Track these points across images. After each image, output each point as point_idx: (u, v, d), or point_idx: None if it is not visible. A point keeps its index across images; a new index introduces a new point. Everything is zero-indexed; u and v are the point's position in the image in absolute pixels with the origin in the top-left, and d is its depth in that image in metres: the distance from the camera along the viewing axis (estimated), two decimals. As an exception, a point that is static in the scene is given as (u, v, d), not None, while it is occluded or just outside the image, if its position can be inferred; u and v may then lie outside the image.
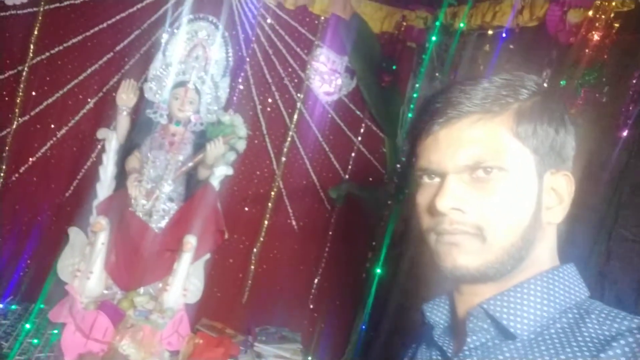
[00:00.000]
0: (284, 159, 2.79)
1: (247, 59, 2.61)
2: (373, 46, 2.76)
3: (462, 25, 2.47)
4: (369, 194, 2.74)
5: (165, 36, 2.40)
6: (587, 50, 1.65)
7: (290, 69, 2.72)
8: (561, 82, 1.69)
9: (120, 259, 2.36)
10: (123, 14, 2.45)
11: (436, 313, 0.78)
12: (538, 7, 1.99)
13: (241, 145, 2.46)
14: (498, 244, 0.66)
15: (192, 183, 2.45)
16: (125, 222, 2.37)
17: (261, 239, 2.86)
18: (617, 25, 1.59)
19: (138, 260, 2.36)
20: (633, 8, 1.59)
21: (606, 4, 1.62)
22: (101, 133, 2.41)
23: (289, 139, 2.78)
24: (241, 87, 2.62)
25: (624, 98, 1.55)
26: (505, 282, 0.68)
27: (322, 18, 2.70)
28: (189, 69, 2.38)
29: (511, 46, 2.05)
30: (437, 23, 2.71)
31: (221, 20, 2.42)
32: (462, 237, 0.67)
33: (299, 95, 2.75)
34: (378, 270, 2.81)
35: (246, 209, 2.88)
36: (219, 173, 2.46)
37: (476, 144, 0.66)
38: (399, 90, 2.86)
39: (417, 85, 2.87)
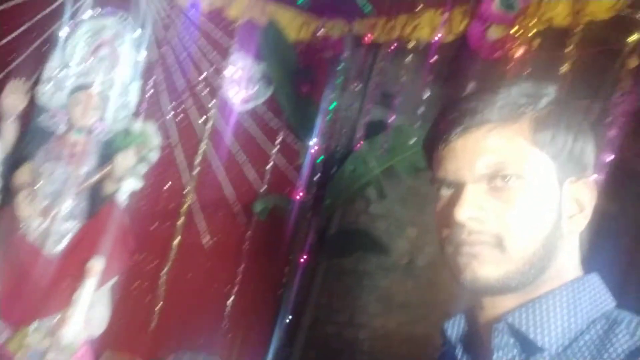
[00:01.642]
0: (196, 170, 2.61)
1: (159, 62, 2.40)
2: (289, 54, 2.71)
3: (378, 37, 2.51)
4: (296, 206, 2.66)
5: (64, 31, 2.10)
6: (509, 65, 1.75)
7: (203, 75, 2.56)
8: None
9: (6, 290, 2.02)
10: (10, 2, 2.12)
11: (457, 330, 0.74)
12: (457, 22, 2.08)
13: (153, 156, 2.25)
14: (519, 254, 0.64)
15: (97, 199, 2.18)
16: (13, 245, 2.04)
17: (171, 257, 2.64)
18: (536, 42, 1.71)
19: (29, 290, 2.04)
20: (549, 27, 1.72)
21: (525, 22, 1.73)
22: (-20, 143, 2.06)
23: (201, 149, 2.61)
24: (151, 92, 2.39)
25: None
26: (528, 294, 0.66)
27: (238, 23, 2.58)
28: (93, 71, 2.12)
29: (434, 58, 2.11)
30: (351, 34, 2.75)
31: (132, 16, 2.20)
32: (481, 248, 0.64)
33: (213, 102, 2.59)
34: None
35: (154, 225, 2.64)
36: (128, 187, 2.23)
37: (494, 152, 0.65)
38: (316, 100, 2.84)
39: (333, 95, 2.88)
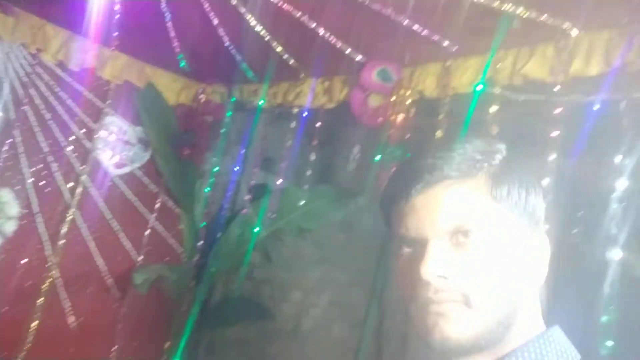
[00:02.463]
0: (62, 242, 2.33)
1: (17, 123, 2.15)
2: (169, 117, 2.63)
3: (261, 102, 2.56)
4: (179, 275, 2.48)
5: None
6: (390, 130, 1.88)
7: (73, 138, 2.34)
8: (375, 159, 1.88)
9: None
10: None
11: None
12: (337, 90, 2.21)
13: (9, 228, 1.97)
14: (486, 310, 0.64)
15: None
16: None
17: (27, 345, 2.27)
18: (412, 110, 1.87)
19: None
20: (422, 97, 1.90)
21: (401, 92, 1.90)
22: None
23: (68, 217, 2.34)
24: (7, 155, 2.12)
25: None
26: (496, 352, 0.66)
27: (114, 84, 2.44)
28: None
29: (318, 124, 2.19)
30: (233, 99, 2.76)
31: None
32: (448, 306, 0.64)
33: (83, 167, 2.37)
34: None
35: (4, 309, 2.27)
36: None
37: (455, 207, 0.66)
38: (196, 164, 2.76)
39: (214, 159, 2.83)
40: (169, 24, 2.13)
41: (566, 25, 1.53)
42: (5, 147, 2.11)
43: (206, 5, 1.96)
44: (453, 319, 0.64)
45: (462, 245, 0.65)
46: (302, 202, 2.54)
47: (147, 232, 2.59)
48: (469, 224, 0.65)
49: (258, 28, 2.00)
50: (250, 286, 3.19)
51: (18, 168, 2.16)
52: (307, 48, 2.06)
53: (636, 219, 1.44)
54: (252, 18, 1.95)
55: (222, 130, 2.76)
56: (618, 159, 1.43)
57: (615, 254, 1.43)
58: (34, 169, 2.24)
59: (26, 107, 2.19)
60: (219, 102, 2.72)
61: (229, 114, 2.74)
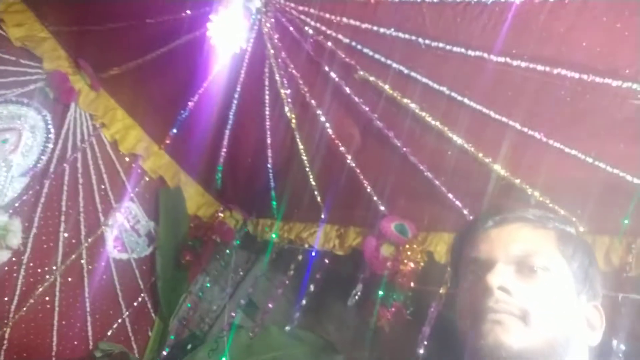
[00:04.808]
0: (30, 301, 2.20)
1: (52, 175, 2.26)
2: (183, 224, 2.72)
3: (274, 235, 2.67)
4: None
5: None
6: (397, 277, 1.96)
7: (91, 208, 2.42)
8: (379, 293, 1.92)
9: None
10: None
11: None
12: (350, 238, 2.34)
13: (1, 257, 1.91)
14: (542, 332, 0.67)
15: None
16: None
17: None
18: (421, 264, 1.99)
19: None
20: (431, 258, 2.03)
21: (414, 247, 2.03)
22: None
23: (48, 281, 2.26)
24: (30, 193, 2.16)
25: (423, 322, 1.83)
26: None
27: (148, 176, 2.61)
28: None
29: (326, 260, 2.28)
30: (245, 229, 2.89)
31: (53, 123, 2.16)
32: (506, 317, 0.68)
33: (87, 238, 2.39)
34: None
35: None
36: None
37: (526, 241, 0.74)
38: (188, 278, 2.75)
39: (204, 283, 2.83)
40: (224, 144, 2.38)
41: (573, 220, 1.74)
42: (32, 189, 2.17)
43: (266, 137, 2.22)
44: (508, 329, 0.67)
45: (526, 277, 0.71)
46: (281, 344, 2.46)
47: (115, 325, 2.44)
48: (536, 262, 0.72)
49: (306, 168, 2.22)
50: None
51: (33, 210, 2.18)
52: (337, 194, 2.27)
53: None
54: (304, 158, 2.18)
55: (224, 257, 2.82)
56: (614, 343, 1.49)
57: None
58: (43, 221, 2.26)
59: (66, 166, 2.32)
60: (231, 227, 2.84)
61: (237, 242, 2.84)
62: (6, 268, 2.08)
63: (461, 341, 0.74)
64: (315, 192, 2.33)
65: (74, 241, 2.36)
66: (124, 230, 2.53)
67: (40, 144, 2.13)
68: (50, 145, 2.18)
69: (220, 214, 2.82)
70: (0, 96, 2.04)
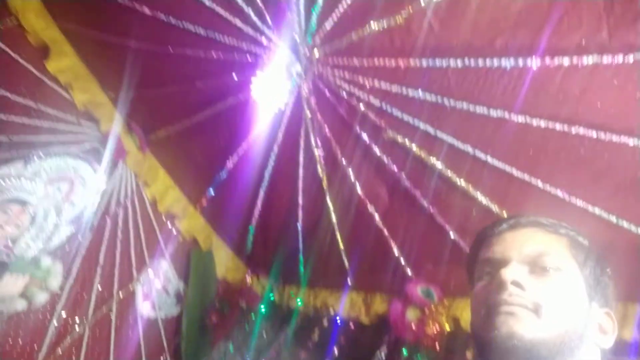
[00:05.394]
0: (58, 350, 2.23)
1: (94, 226, 2.39)
2: (212, 286, 2.77)
3: (299, 302, 2.68)
4: None
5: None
6: (422, 338, 1.94)
7: (126, 262, 2.51)
8: (403, 350, 1.89)
9: None
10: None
11: None
12: (376, 305, 2.34)
13: (40, 299, 1.99)
14: (553, 325, 0.70)
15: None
16: None
17: None
18: (448, 327, 1.97)
19: None
20: (457, 325, 2.01)
21: (440, 310, 2.02)
22: None
23: (76, 331, 2.30)
24: (73, 242, 2.28)
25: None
26: None
27: (182, 236, 2.72)
28: (40, 194, 2.09)
29: (351, 326, 2.27)
30: (272, 298, 2.91)
31: (102, 175, 2.33)
32: (519, 309, 0.70)
33: (118, 292, 2.45)
34: None
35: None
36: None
37: (540, 243, 0.78)
38: (213, 341, 2.73)
39: (227, 349, 2.81)
40: (258, 205, 2.51)
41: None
42: (75, 238, 2.29)
43: (298, 197, 2.34)
44: (521, 320, 0.69)
45: (539, 275, 0.74)
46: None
47: (136, 382, 2.42)
48: (549, 262, 0.75)
49: (335, 229, 2.30)
50: None
51: (73, 259, 2.28)
52: (364, 256, 2.32)
53: None
54: (333, 218, 2.27)
55: (249, 322, 2.82)
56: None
57: None
58: (81, 271, 2.35)
59: (108, 220, 2.45)
60: (258, 293, 2.86)
61: (262, 308, 2.85)
62: (40, 315, 2.14)
63: (475, 337, 0.76)
64: (343, 255, 2.37)
65: (106, 294, 2.43)
66: (155, 288, 2.59)
67: (89, 196, 2.28)
68: (97, 198, 2.33)
69: (248, 279, 2.86)
70: (60, 150, 2.23)
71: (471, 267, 0.84)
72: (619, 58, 1.34)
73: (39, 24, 2.22)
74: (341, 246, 2.34)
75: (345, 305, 2.47)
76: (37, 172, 2.11)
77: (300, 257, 2.59)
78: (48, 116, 2.28)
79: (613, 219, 1.60)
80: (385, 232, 2.14)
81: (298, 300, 2.68)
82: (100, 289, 2.40)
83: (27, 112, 2.21)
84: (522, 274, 0.73)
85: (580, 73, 1.43)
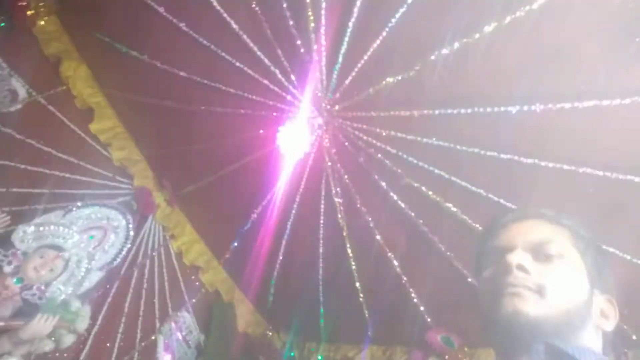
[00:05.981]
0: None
1: (122, 276, 2.48)
2: (231, 339, 2.78)
3: (320, 358, 2.67)
4: None
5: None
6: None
7: (149, 312, 2.56)
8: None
9: None
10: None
11: None
12: (398, 355, 2.33)
13: (68, 340, 2.05)
14: (556, 305, 0.73)
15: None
16: None
17: None
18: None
19: None
20: None
21: (461, 355, 2.01)
22: None
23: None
24: (103, 287, 2.37)
25: None
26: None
27: (205, 289, 2.78)
28: (74, 241, 2.21)
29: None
30: (292, 354, 2.89)
31: (132, 226, 2.45)
32: (523, 290, 0.74)
33: (141, 343, 2.49)
34: None
35: None
36: (10, 362, 1.93)
37: (544, 232, 0.81)
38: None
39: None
40: (279, 257, 2.58)
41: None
42: (103, 286, 2.37)
43: (319, 247, 2.41)
44: (526, 300, 0.73)
45: (543, 261, 0.78)
46: None
47: None
48: (552, 249, 0.78)
49: (355, 278, 2.36)
50: None
51: (100, 306, 2.36)
52: (384, 305, 2.34)
53: None
54: (353, 266, 2.33)
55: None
56: None
57: None
58: (106, 319, 2.41)
59: (135, 270, 2.54)
60: (277, 348, 2.86)
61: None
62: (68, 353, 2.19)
63: (483, 321, 0.80)
64: (363, 306, 2.40)
65: (128, 344, 2.47)
66: (176, 339, 2.62)
67: (119, 245, 2.39)
68: (127, 247, 2.44)
69: (269, 334, 2.87)
70: (96, 201, 2.38)
71: (478, 258, 0.87)
72: (617, 101, 1.45)
73: (86, 91, 2.46)
74: (361, 296, 2.37)
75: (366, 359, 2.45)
76: (73, 221, 2.25)
77: (321, 309, 2.61)
78: (87, 171, 2.46)
79: (627, 257, 1.63)
80: (404, 279, 2.17)
81: (319, 357, 2.66)
82: (123, 338, 2.44)
83: (68, 168, 2.39)
84: (527, 259, 0.77)
85: (582, 114, 1.53)
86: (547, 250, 0.78)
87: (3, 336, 1.90)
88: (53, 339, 2.03)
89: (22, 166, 2.25)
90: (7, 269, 2.05)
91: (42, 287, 2.08)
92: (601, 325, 0.78)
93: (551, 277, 0.75)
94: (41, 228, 2.17)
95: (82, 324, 2.09)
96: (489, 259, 0.82)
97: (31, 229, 2.16)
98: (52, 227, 2.19)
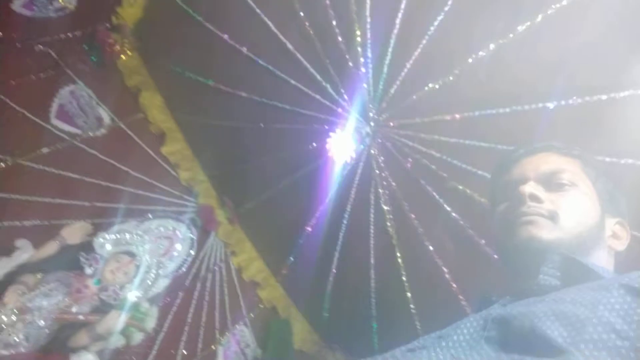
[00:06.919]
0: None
1: (187, 288, 2.65)
2: (288, 357, 2.85)
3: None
4: None
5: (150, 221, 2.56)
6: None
7: (210, 323, 2.70)
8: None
9: None
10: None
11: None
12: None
13: (136, 338, 2.22)
14: (570, 227, 0.77)
15: (57, 342, 2.06)
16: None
17: None
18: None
19: None
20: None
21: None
22: (20, 242, 2.24)
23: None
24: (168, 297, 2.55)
25: None
26: None
27: (262, 305, 2.90)
28: (146, 248, 2.43)
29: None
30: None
31: (196, 238, 2.65)
32: (537, 217, 0.78)
33: (202, 353, 2.62)
34: None
35: None
36: (84, 358, 2.12)
37: (555, 163, 0.85)
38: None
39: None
40: (332, 269, 2.67)
41: None
42: (169, 294, 2.55)
43: (370, 257, 2.49)
44: (540, 225, 0.77)
45: (555, 191, 0.81)
46: None
47: None
48: (564, 179, 0.81)
49: (406, 289, 2.40)
50: None
51: (165, 317, 2.53)
52: (435, 319, 2.35)
53: None
54: (404, 277, 2.38)
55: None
56: None
57: None
58: (171, 329, 2.57)
59: (198, 283, 2.72)
60: (334, 365, 2.89)
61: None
62: (134, 357, 2.35)
63: (499, 251, 0.85)
64: (415, 318, 2.41)
65: (190, 352, 2.60)
66: (234, 351, 2.73)
67: (185, 255, 2.59)
68: (191, 258, 2.62)
69: (323, 352, 2.91)
70: (165, 214, 2.62)
71: (492, 193, 0.90)
72: (652, 88, 1.50)
73: (160, 117, 2.75)
74: (412, 306, 2.40)
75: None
76: (146, 231, 2.48)
77: (374, 324, 2.64)
78: (157, 189, 2.71)
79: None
80: (454, 286, 2.20)
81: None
82: (184, 347, 2.58)
83: (142, 185, 2.66)
84: (539, 189, 0.81)
85: (620, 106, 1.58)
86: (559, 179, 0.81)
87: (82, 329, 2.10)
88: (124, 335, 2.20)
89: (104, 183, 2.54)
90: (88, 271, 2.28)
91: (117, 289, 2.28)
92: (613, 245, 0.84)
93: (563, 204, 0.79)
94: (118, 236, 2.41)
95: (150, 323, 2.26)
96: (503, 194, 0.86)
97: (110, 236, 2.41)
98: (127, 235, 2.43)
